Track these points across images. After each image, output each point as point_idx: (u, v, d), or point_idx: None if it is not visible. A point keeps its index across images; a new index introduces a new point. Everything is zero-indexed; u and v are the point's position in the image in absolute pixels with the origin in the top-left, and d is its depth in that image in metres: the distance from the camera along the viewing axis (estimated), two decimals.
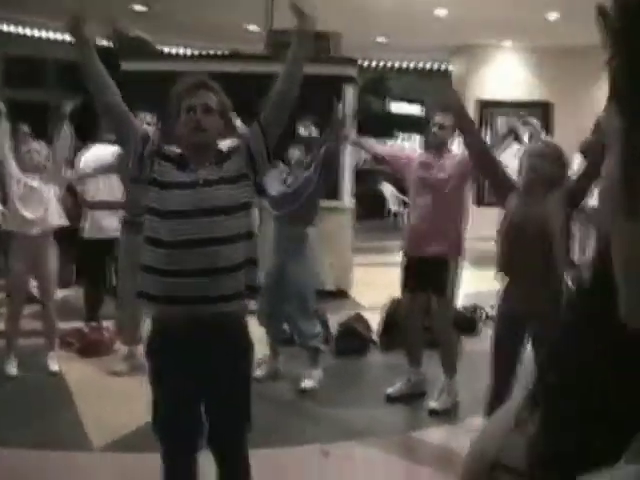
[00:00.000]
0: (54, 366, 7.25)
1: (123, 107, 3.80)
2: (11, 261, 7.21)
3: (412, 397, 6.73)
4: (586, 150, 5.23)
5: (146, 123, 6.97)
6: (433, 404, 6.47)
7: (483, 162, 5.42)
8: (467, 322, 8.57)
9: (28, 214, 7.02)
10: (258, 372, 6.69)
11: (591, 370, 0.84)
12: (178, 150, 3.81)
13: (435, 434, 6.16)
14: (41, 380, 7.05)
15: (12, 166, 7.09)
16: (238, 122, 6.64)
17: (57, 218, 7.15)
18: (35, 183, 7.06)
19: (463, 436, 5.99)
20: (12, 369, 7.13)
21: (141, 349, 7.26)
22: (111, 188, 8.10)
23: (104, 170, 7.64)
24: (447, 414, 6.40)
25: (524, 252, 5.00)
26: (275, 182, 6.93)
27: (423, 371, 6.83)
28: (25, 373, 7.13)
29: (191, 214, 3.55)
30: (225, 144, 3.91)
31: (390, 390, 6.72)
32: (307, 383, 6.89)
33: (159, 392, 3.74)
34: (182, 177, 3.64)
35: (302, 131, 10.74)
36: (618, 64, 0.68)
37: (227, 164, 3.71)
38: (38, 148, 7.18)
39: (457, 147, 6.87)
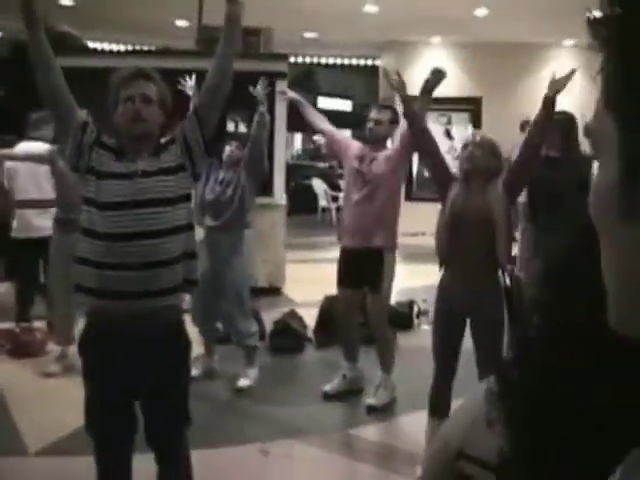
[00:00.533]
0: None
1: (67, 91, 3.69)
2: None
3: (349, 394, 6.74)
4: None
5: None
6: (371, 400, 6.48)
7: (426, 149, 5.42)
8: (402, 318, 8.60)
9: None
10: (194, 371, 6.61)
11: (559, 372, 0.83)
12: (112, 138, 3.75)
13: (373, 430, 6.17)
14: None
15: None
16: None
17: None
18: None
19: (401, 432, 6.05)
20: None
21: (74, 349, 7.18)
22: (40, 187, 7.95)
23: (35, 159, 7.48)
24: (384, 410, 6.42)
25: (465, 243, 5.01)
26: (209, 181, 6.88)
27: (359, 367, 6.84)
28: None
29: (128, 205, 3.49)
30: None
31: (327, 387, 6.72)
32: (243, 382, 6.86)
33: (92, 389, 3.67)
34: (120, 168, 3.58)
35: (231, 127, 10.75)
36: (612, 70, 0.67)
37: (164, 155, 3.66)
38: None
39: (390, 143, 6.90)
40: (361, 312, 6.81)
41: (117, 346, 3.52)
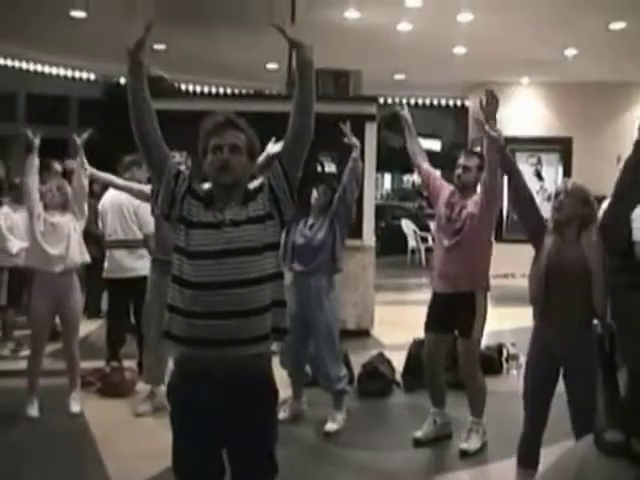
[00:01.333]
0: (75, 407, 7.21)
1: (161, 139, 3.72)
2: (34, 299, 7.18)
3: (438, 440, 6.64)
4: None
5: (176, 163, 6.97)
6: (464, 445, 6.38)
7: (520, 198, 5.30)
8: (490, 362, 8.47)
9: (50, 251, 7.01)
10: (281, 414, 6.63)
11: None
12: (207, 186, 3.74)
13: (464, 476, 6.06)
14: (63, 422, 7.00)
15: (36, 202, 7.11)
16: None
17: (78, 255, 7.13)
18: (56, 219, 7.06)
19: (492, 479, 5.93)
20: (33, 411, 7.08)
21: (163, 389, 7.25)
22: (129, 228, 8.08)
23: (134, 191, 7.55)
24: (476, 455, 6.31)
25: (561, 294, 4.92)
26: (298, 225, 6.89)
27: (447, 412, 6.74)
28: (46, 415, 7.10)
29: (217, 255, 3.48)
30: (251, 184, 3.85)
31: (418, 434, 6.62)
32: (331, 426, 6.82)
33: (179, 435, 3.66)
34: (208, 217, 3.57)
35: (322, 169, 10.80)
36: None
37: (253, 204, 3.63)
38: (61, 185, 7.20)
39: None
40: (449, 356, 6.74)
41: (205, 393, 3.50)
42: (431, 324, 6.52)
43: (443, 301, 6.39)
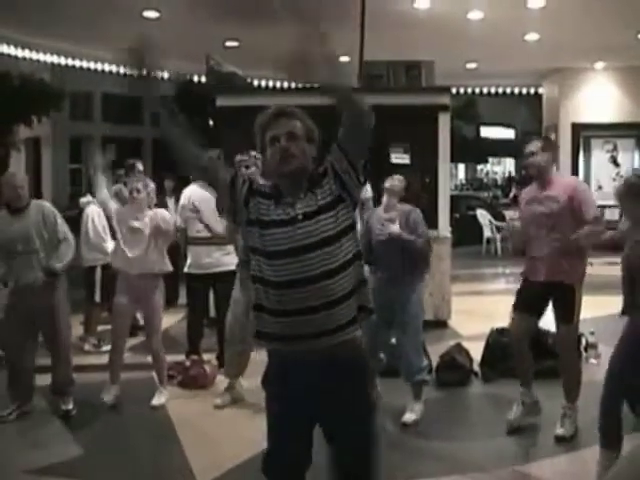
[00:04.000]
0: (157, 400, 7.33)
1: (203, 160, 3.76)
2: (116, 296, 7.36)
3: (526, 424, 6.61)
4: None
5: (253, 160, 7.02)
6: (560, 431, 6.33)
7: None
8: None
9: (128, 253, 7.17)
10: None
11: None
12: (270, 183, 3.72)
13: (559, 462, 6.00)
14: (144, 414, 7.15)
15: (113, 211, 7.32)
16: None
17: (157, 264, 7.31)
18: (136, 224, 7.19)
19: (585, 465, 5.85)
20: (108, 397, 7.29)
21: (242, 382, 7.34)
22: (210, 224, 8.13)
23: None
24: (571, 441, 6.27)
25: None
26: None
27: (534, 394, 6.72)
28: (128, 406, 7.28)
29: (296, 252, 3.46)
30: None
31: (510, 417, 6.59)
32: (410, 416, 6.82)
33: (274, 420, 3.69)
34: (280, 214, 3.54)
35: (394, 159, 10.79)
36: None
37: (320, 190, 3.57)
38: (140, 187, 7.31)
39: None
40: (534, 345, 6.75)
41: (300, 376, 3.53)
42: (521, 304, 6.50)
43: (539, 287, 6.35)
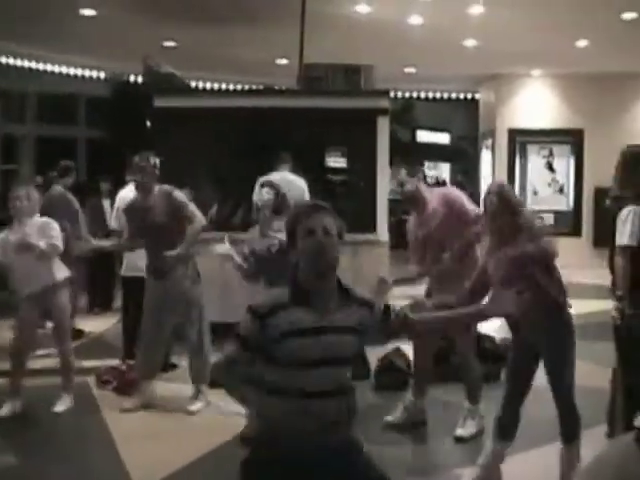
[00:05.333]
0: (61, 406, 7.21)
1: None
2: (20, 307, 7.25)
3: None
4: None
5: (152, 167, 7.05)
6: (459, 431, 6.56)
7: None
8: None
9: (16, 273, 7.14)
10: None
11: None
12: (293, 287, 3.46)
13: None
14: (80, 420, 7.02)
15: None
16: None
17: (46, 276, 7.18)
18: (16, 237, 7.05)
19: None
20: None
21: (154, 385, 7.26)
22: None
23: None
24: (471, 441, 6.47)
25: None
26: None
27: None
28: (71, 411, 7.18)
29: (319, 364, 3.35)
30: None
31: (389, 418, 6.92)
32: None
33: None
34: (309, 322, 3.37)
35: (331, 162, 10.77)
36: None
37: (349, 312, 3.45)
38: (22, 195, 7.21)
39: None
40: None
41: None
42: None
43: None
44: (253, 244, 6.82)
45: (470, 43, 15.43)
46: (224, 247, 6.89)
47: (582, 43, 15.19)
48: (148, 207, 7.08)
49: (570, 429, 5.27)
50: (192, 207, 7.21)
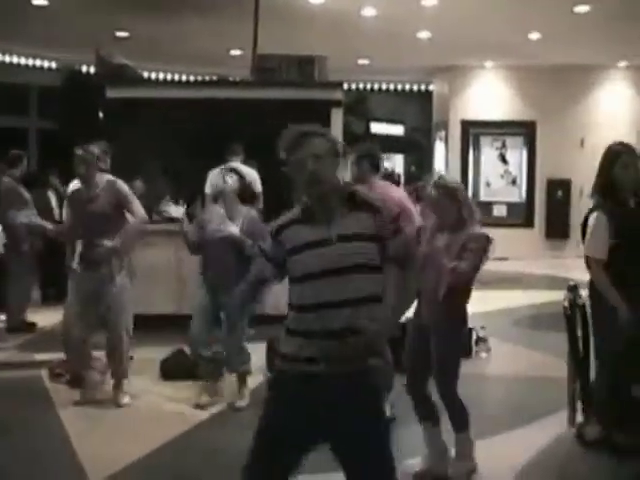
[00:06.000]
0: None
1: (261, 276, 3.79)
2: None
3: None
4: None
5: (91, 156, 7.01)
6: None
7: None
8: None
9: None
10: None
11: None
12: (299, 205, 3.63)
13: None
14: (32, 414, 6.89)
15: None
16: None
17: None
18: None
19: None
20: None
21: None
22: None
23: None
24: None
25: None
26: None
27: None
28: (16, 406, 7.03)
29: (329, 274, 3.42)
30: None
31: None
32: (240, 403, 6.99)
33: (270, 426, 3.53)
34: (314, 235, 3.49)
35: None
36: None
37: (358, 219, 3.52)
38: None
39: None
40: None
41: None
42: None
43: None
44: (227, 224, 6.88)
45: (424, 35, 15.49)
46: (178, 210, 6.86)
47: (535, 35, 15.32)
48: (90, 197, 6.96)
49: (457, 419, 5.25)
50: (136, 202, 7.11)
